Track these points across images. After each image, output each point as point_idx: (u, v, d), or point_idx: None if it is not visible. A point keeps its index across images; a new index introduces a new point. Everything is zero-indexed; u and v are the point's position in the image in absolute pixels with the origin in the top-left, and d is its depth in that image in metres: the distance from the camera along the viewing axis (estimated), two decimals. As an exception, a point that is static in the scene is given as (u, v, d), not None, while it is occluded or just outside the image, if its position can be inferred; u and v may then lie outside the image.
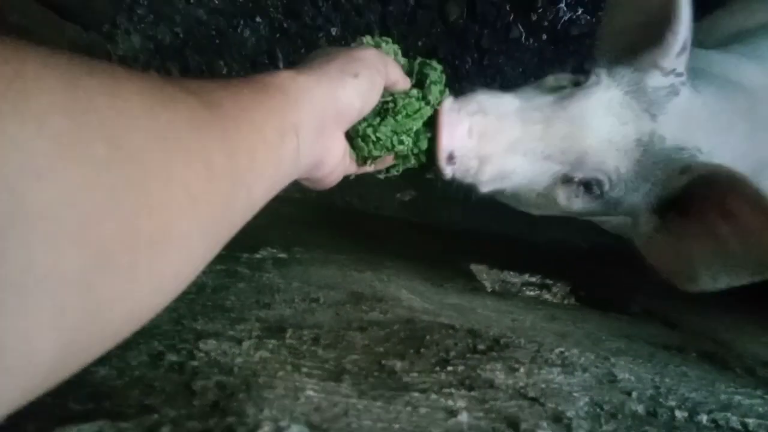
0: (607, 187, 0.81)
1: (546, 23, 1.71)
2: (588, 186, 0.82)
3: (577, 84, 0.83)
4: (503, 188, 0.83)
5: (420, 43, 1.75)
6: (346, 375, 0.52)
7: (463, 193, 0.87)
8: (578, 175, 0.80)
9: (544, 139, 0.78)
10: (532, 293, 1.30)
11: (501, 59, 1.73)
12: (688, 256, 0.84)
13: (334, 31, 1.74)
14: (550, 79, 0.87)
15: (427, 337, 0.64)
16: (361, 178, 1.83)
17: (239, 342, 0.55)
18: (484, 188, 0.81)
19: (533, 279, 1.39)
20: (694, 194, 0.79)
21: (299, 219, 1.52)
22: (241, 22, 1.75)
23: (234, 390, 0.46)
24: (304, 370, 0.52)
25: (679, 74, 0.79)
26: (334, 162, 0.58)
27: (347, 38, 1.74)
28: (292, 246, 1.06)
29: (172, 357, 0.51)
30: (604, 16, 0.98)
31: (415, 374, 0.55)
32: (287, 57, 1.75)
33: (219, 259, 0.88)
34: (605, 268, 1.58)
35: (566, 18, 1.71)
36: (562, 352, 0.67)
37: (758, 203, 0.70)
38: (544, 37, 1.72)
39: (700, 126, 0.81)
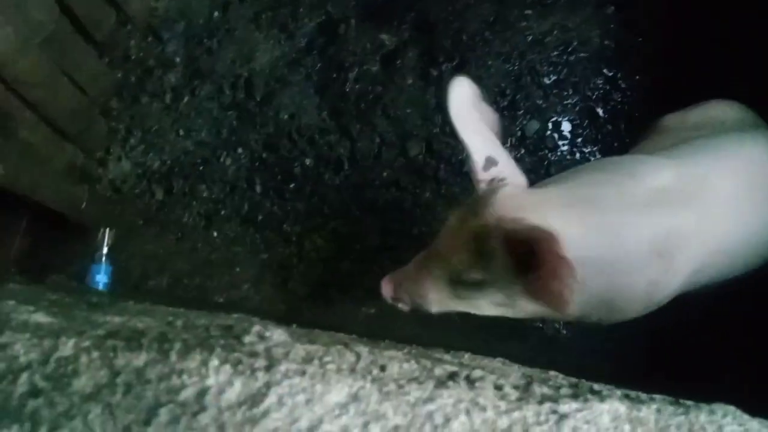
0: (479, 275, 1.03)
1: (494, 160, 1.96)
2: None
3: None
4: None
5: (385, 174, 1.97)
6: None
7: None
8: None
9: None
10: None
11: (457, 189, 1.94)
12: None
13: (308, 162, 1.95)
14: None
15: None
16: (325, 293, 1.92)
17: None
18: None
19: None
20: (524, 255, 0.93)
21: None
22: (224, 152, 1.95)
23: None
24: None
25: (500, 179, 1.03)
26: None
27: (320, 168, 1.94)
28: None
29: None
30: None
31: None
32: (264, 184, 1.93)
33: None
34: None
35: (512, 156, 1.97)
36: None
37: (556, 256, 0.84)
38: (493, 171, 1.95)
39: (518, 211, 0.97)
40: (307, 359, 0.48)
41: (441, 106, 1.98)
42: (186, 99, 1.97)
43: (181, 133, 1.95)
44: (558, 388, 0.57)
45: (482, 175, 1.04)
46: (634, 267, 1.06)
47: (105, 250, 1.37)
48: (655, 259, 1.05)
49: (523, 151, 1.97)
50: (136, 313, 0.64)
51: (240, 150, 1.95)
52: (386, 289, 1.18)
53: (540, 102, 2.00)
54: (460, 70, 2.00)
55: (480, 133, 1.05)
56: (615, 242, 1.03)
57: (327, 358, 0.49)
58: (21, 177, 1.41)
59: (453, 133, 1.96)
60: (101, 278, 1.33)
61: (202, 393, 0.43)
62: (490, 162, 1.04)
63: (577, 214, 1.02)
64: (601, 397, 0.53)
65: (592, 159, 1.96)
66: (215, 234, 1.88)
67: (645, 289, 1.09)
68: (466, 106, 1.06)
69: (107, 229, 1.39)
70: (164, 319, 0.55)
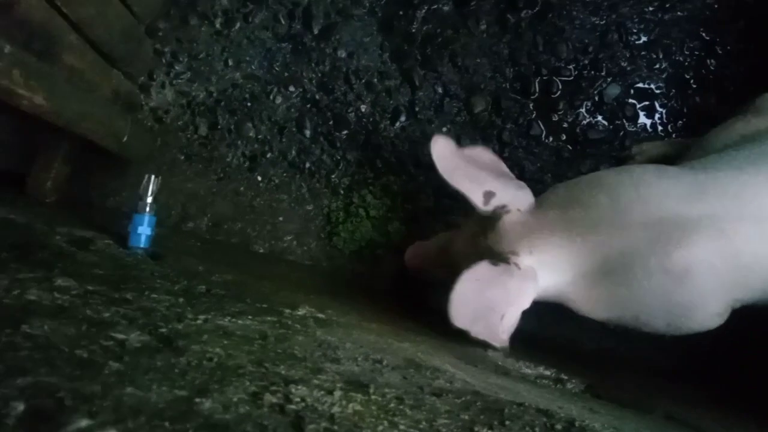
0: None
1: (566, 125, 1.79)
2: None
3: None
4: None
5: (445, 129, 1.81)
6: (443, 437, 0.50)
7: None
8: None
9: None
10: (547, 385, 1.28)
11: (521, 153, 1.79)
12: None
13: (363, 108, 1.79)
14: None
15: (505, 410, 0.62)
16: (372, 253, 1.82)
17: (329, 392, 0.53)
18: None
19: (547, 372, 1.37)
20: None
21: (314, 286, 1.50)
22: (275, 89, 1.79)
23: (345, 438, 0.44)
24: (402, 427, 0.50)
25: (502, 206, 1.18)
26: None
27: (375, 116, 1.79)
28: (325, 308, 1.04)
29: (271, 398, 0.48)
30: None
31: (508, 444, 0.53)
32: (315, 128, 1.79)
33: (265, 311, 0.86)
34: (617, 370, 1.57)
35: (585, 122, 1.79)
36: (635, 440, 0.66)
37: None
38: (563, 137, 1.79)
39: (522, 237, 1.13)
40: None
41: (515, 59, 1.79)
42: (238, 25, 1.79)
43: (231, 63, 1.78)
44: None
45: (485, 208, 1.19)
46: (642, 285, 1.06)
47: (149, 199, 1.25)
48: (664, 278, 1.04)
49: (599, 117, 1.79)
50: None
51: (292, 88, 1.79)
52: (410, 254, 1.50)
53: (625, 64, 1.80)
54: (541, 18, 1.79)
55: (469, 175, 1.20)
56: (613, 262, 1.07)
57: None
58: (65, 107, 1.28)
59: (523, 91, 1.81)
60: (144, 230, 1.22)
61: None
62: (489, 195, 1.18)
63: (570, 239, 1.10)
64: None
65: (674, 136, 1.78)
66: (259, 178, 1.76)
67: (666, 308, 1.08)
68: (450, 159, 1.21)
69: (153, 176, 1.26)
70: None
